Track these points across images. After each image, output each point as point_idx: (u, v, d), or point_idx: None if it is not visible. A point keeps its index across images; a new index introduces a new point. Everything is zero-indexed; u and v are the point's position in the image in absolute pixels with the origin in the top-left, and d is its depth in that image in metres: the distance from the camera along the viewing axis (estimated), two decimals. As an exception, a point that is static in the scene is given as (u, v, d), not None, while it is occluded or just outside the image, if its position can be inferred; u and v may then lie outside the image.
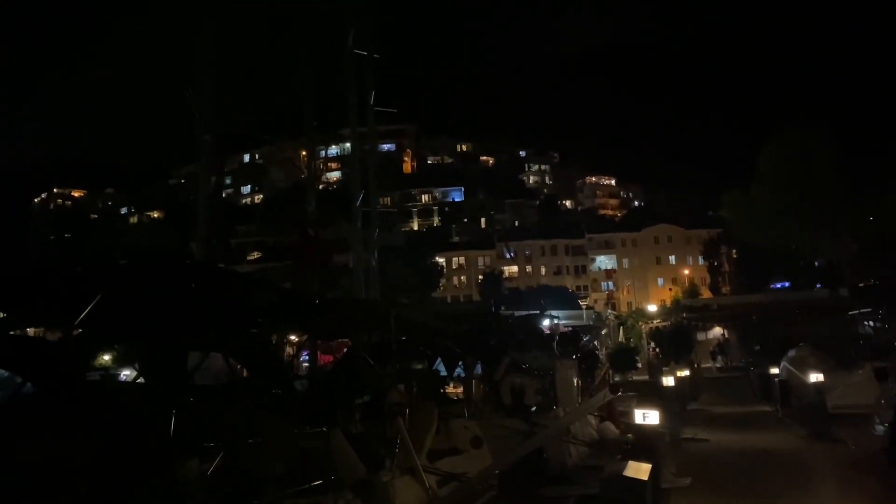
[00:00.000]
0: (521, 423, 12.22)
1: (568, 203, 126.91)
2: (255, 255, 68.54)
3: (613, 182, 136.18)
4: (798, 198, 48.45)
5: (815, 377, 16.99)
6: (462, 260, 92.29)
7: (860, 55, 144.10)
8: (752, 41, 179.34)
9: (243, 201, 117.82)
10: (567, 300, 64.50)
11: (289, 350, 11.97)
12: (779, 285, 56.71)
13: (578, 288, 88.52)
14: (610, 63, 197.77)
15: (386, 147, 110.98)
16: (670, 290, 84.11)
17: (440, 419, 9.27)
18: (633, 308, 75.94)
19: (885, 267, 39.80)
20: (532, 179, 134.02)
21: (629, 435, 13.57)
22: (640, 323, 57.58)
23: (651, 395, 18.29)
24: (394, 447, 7.69)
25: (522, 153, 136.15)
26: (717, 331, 49.83)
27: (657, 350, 43.99)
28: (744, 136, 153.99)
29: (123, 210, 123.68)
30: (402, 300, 38.22)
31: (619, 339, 45.45)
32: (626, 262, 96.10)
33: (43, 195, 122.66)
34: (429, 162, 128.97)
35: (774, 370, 22.69)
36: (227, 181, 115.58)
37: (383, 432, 8.19)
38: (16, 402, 5.50)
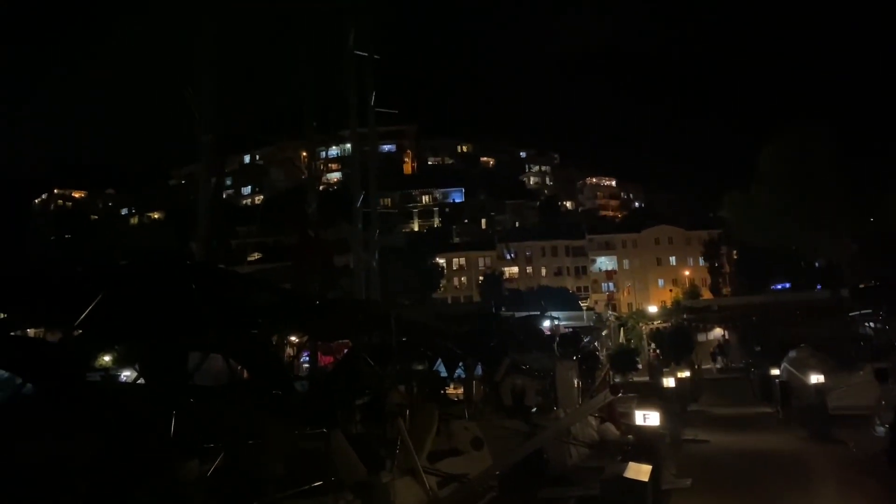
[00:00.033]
0: (522, 424, 12.22)
1: (568, 204, 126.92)
2: (256, 255, 68.58)
3: (614, 183, 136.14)
4: (798, 198, 48.43)
5: (816, 378, 16.98)
6: (462, 261, 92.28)
7: (860, 55, 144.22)
8: (752, 41, 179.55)
9: (244, 202, 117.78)
10: (567, 301, 64.56)
11: (289, 351, 11.98)
12: (779, 286, 56.72)
13: (579, 289, 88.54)
14: (610, 63, 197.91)
15: (386, 148, 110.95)
16: (671, 291, 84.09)
17: (440, 420, 9.27)
18: (634, 309, 75.88)
19: (886, 267, 39.78)
20: (532, 180, 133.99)
21: (629, 436, 13.57)
22: (641, 324, 57.55)
23: (651, 396, 18.27)
24: (394, 448, 7.68)
25: (523, 154, 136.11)
26: (718, 332, 49.86)
27: (658, 351, 43.96)
28: (744, 137, 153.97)
29: (124, 211, 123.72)
30: (402, 301, 38.29)
31: (620, 341, 45.37)
32: (626, 263, 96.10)
33: (43, 196, 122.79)
34: (429, 163, 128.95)
35: (775, 371, 22.68)
36: (228, 182, 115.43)
37: (384, 433, 8.18)
38: (16, 403, 5.50)
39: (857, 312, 25.04)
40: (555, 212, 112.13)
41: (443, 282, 77.02)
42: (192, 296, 5.77)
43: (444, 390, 14.59)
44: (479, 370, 14.42)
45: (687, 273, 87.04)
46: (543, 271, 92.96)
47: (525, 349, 16.77)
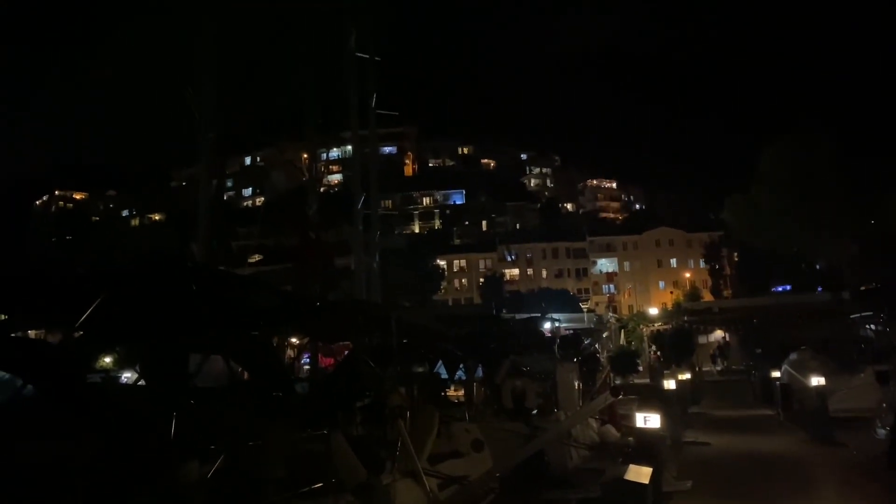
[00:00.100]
0: (523, 426, 12.21)
1: (569, 206, 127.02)
2: (256, 257, 68.47)
3: (614, 185, 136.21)
4: (798, 199, 48.40)
5: (817, 381, 16.96)
6: (463, 263, 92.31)
7: (861, 56, 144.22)
8: (753, 42, 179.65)
9: (244, 204, 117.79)
10: (568, 303, 64.52)
11: (290, 352, 11.98)
12: (780, 288, 56.71)
13: (579, 291, 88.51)
14: (610, 65, 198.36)
15: (387, 150, 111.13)
16: (671, 293, 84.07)
17: (441, 422, 9.25)
18: (635, 311, 75.84)
19: (886, 268, 39.75)
20: (533, 182, 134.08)
21: (630, 438, 13.55)
22: (642, 326, 57.52)
23: (652, 398, 18.21)
24: (395, 450, 7.67)
25: (524, 156, 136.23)
26: (719, 334, 49.88)
27: (658, 353, 43.97)
28: (744, 138, 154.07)
29: (124, 212, 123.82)
30: (403, 303, 38.31)
31: (621, 342, 45.44)
32: (627, 265, 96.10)
33: (44, 197, 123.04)
34: (430, 165, 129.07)
35: (776, 373, 22.67)
36: (229, 183, 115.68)
37: (384, 435, 8.17)
38: (16, 404, 5.50)
39: (858, 315, 25.09)
40: (555, 214, 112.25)
41: (443, 284, 77.06)
42: (192, 297, 5.77)
43: (445, 392, 14.59)
44: (479, 372, 14.41)
45: (688, 275, 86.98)
46: (544, 273, 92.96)
47: (526, 351, 16.76)
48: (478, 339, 14.03)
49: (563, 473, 12.24)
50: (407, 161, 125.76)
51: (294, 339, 12.39)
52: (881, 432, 13.19)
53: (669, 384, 19.91)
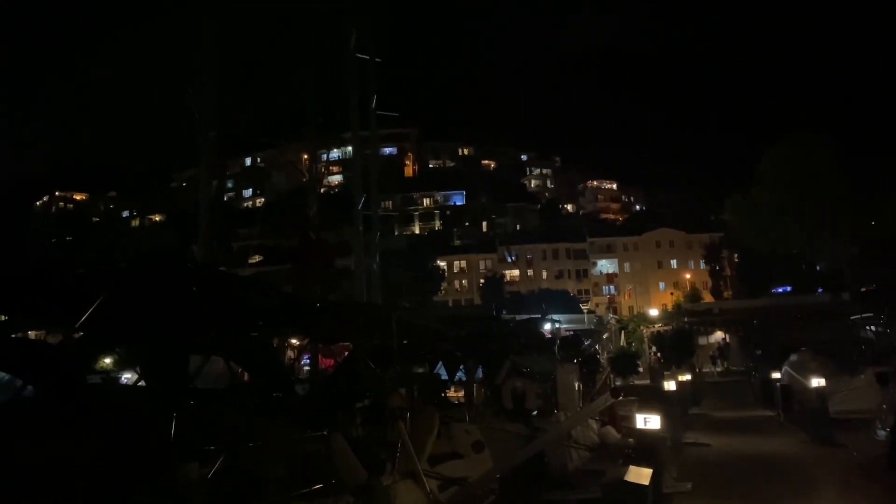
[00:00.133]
0: (523, 427, 12.21)
1: (569, 207, 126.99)
2: (257, 258, 68.53)
3: (615, 186, 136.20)
4: (798, 199, 48.38)
5: (817, 382, 16.95)
6: (463, 264, 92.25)
7: (861, 56, 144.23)
8: (753, 43, 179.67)
9: (245, 204, 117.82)
10: (568, 304, 64.39)
11: (290, 353, 11.98)
12: (780, 289, 56.69)
13: (580, 292, 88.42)
14: (611, 65, 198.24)
15: (387, 151, 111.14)
16: (672, 294, 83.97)
17: (441, 423, 9.25)
18: (635, 312, 75.76)
19: (886, 269, 39.76)
20: (533, 183, 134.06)
21: (630, 439, 13.54)
22: (642, 327, 57.47)
23: (652, 399, 18.20)
24: (395, 451, 7.68)
25: (524, 157, 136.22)
26: (719, 335, 49.82)
27: (658, 354, 43.93)
28: (745, 139, 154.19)
29: (125, 213, 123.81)
30: (403, 304, 38.28)
31: (621, 344, 45.33)
32: (627, 266, 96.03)
33: (44, 198, 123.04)
34: (430, 166, 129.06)
35: (776, 375, 22.65)
36: (229, 184, 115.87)
37: (384, 436, 8.18)
38: (17, 405, 5.50)
39: (859, 316, 25.08)
40: (556, 215, 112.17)
41: (443, 284, 77.06)
42: (192, 298, 5.77)
43: (445, 393, 14.60)
44: (479, 373, 14.41)
45: (688, 276, 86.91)
46: (544, 274, 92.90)
47: (526, 352, 16.76)
48: (478, 340, 14.03)
49: (564, 474, 12.23)
50: (407, 162, 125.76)
51: (294, 340, 12.39)
52: (881, 433, 13.18)
53: (670, 385, 19.88)
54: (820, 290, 48.80)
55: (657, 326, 54.68)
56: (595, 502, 8.82)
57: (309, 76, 19.86)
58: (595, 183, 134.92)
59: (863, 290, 32.85)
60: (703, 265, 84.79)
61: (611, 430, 16.00)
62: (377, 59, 21.18)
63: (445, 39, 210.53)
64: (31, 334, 8.77)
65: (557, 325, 32.77)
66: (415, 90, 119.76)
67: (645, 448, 9.79)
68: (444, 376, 14.37)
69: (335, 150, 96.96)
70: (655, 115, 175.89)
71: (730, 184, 78.11)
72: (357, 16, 20.53)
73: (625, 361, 32.57)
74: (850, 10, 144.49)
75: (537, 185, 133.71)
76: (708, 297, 75.39)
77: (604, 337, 41.08)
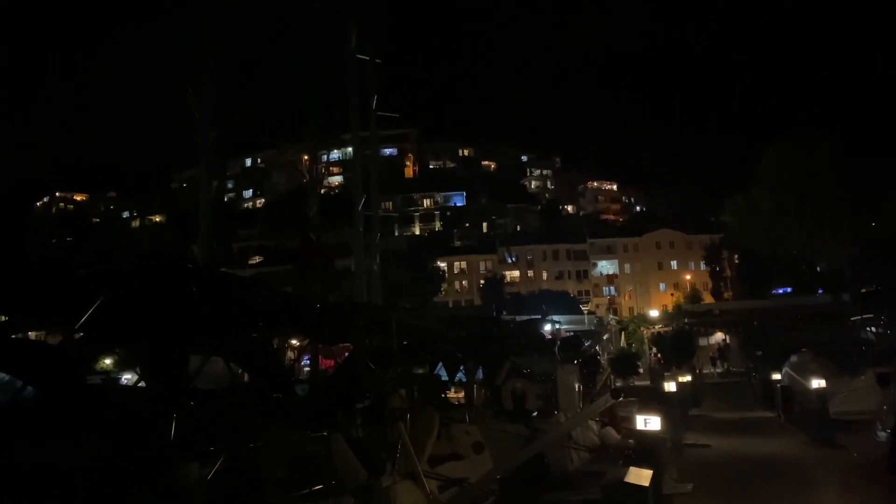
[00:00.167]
0: (523, 428, 12.20)
1: (570, 208, 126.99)
2: (257, 258, 68.57)
3: (615, 187, 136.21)
4: (798, 200, 48.35)
5: (818, 383, 16.95)
6: (463, 264, 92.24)
7: (861, 56, 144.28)
8: (753, 43, 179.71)
9: (245, 205, 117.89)
10: (569, 305, 64.35)
11: (290, 354, 11.97)
12: (781, 290, 56.63)
13: (580, 293, 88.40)
14: (611, 66, 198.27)
15: (388, 151, 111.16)
16: (672, 295, 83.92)
17: (441, 424, 9.24)
18: (635, 313, 75.72)
19: (887, 269, 39.72)
20: (534, 184, 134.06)
21: (630, 440, 13.52)
22: (642, 328, 57.40)
23: (652, 400, 18.21)
24: (395, 452, 7.67)
25: (524, 158, 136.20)
26: (719, 336, 49.74)
27: (659, 355, 43.86)
28: (745, 140, 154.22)
29: (125, 214, 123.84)
30: (403, 305, 38.29)
31: (621, 344, 45.26)
32: (627, 266, 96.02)
33: (45, 199, 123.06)
34: (430, 166, 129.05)
35: (776, 376, 22.65)
36: (230, 185, 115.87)
37: (384, 437, 8.17)
38: (17, 405, 5.50)
39: (859, 317, 25.05)
40: (556, 215, 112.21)
41: (444, 285, 77.03)
42: (193, 299, 5.77)
43: (445, 394, 14.59)
44: (479, 374, 14.41)
45: (688, 277, 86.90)
46: (545, 275, 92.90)
47: (526, 353, 16.75)
48: (478, 341, 14.03)
49: (564, 475, 12.23)
50: (407, 163, 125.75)
51: (294, 341, 12.38)
52: (882, 435, 13.17)
53: (670, 386, 19.88)
54: (820, 290, 48.71)
55: (657, 327, 54.61)
56: (595, 503, 8.82)
57: (309, 76, 19.86)
58: (595, 184, 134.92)
59: (863, 290, 32.80)
60: (703, 266, 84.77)
61: (611, 431, 15.98)
62: (377, 60, 21.20)
63: (445, 39, 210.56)
64: (32, 335, 8.77)
65: (558, 326, 32.77)
66: (415, 90, 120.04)
67: (645, 449, 9.78)
68: (445, 377, 14.37)
69: (335, 150, 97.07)
70: (655, 115, 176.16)
71: (730, 184, 78.29)
72: (357, 16, 20.54)
73: (625, 362, 32.53)
74: (850, 10, 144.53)
75: (537, 186, 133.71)
76: (708, 298, 75.32)
77: (604, 338, 41.03)
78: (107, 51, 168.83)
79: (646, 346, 49.95)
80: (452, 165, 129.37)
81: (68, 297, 5.38)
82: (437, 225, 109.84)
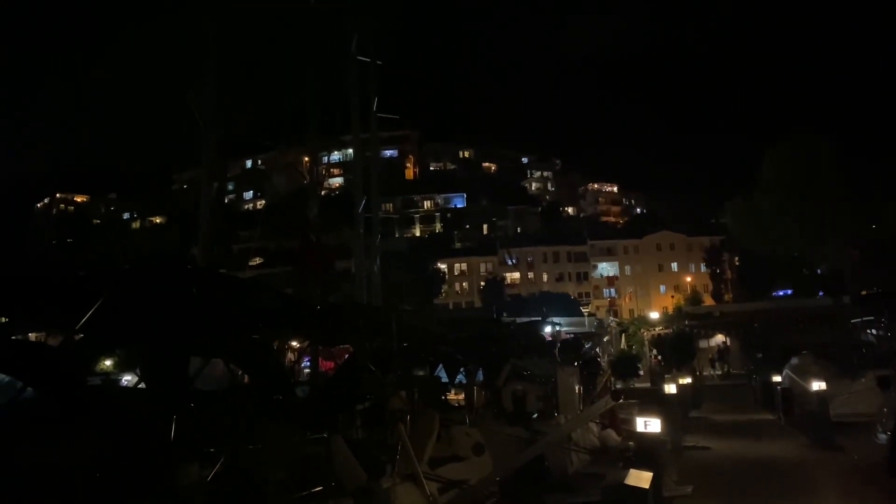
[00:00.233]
0: (523, 430, 12.19)
1: (570, 210, 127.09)
2: (257, 260, 68.53)
3: (615, 189, 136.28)
4: (799, 202, 48.32)
5: (818, 385, 16.93)
6: (464, 266, 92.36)
7: (861, 57, 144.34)
8: (754, 44, 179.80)
9: (245, 207, 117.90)
10: (569, 307, 64.38)
11: (290, 356, 11.96)
12: (781, 293, 56.65)
13: (580, 295, 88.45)
14: (611, 67, 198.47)
15: (388, 153, 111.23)
16: (672, 297, 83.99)
17: (441, 426, 9.24)
18: (635, 315, 75.79)
19: (887, 272, 39.70)
20: (534, 186, 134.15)
21: (631, 443, 13.51)
22: (642, 330, 57.40)
23: (653, 402, 18.23)
24: (395, 454, 7.66)
25: (525, 159, 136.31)
26: (719, 338, 49.71)
27: (659, 357, 43.87)
28: (745, 142, 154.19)
29: (126, 215, 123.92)
30: (403, 306, 38.30)
31: (621, 346, 45.28)
32: (628, 269, 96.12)
33: (45, 200, 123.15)
34: (431, 168, 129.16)
35: (776, 378, 22.61)
36: (230, 187, 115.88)
37: (384, 439, 8.17)
38: (17, 407, 5.50)
39: (860, 319, 25.00)
40: (556, 217, 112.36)
41: (444, 287, 77.14)
42: (193, 300, 5.77)
43: (446, 396, 14.58)
44: (480, 376, 14.40)
45: (688, 279, 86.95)
46: (545, 277, 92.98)
47: (526, 355, 16.75)
48: (478, 343, 14.03)
49: (564, 478, 12.22)
50: (408, 164, 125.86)
51: (294, 343, 12.37)
52: (882, 437, 13.15)
53: (670, 388, 19.87)
54: (821, 293, 48.68)
55: (657, 329, 54.62)
56: (595, 505, 8.82)
57: (310, 78, 19.86)
58: (596, 186, 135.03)
59: (864, 293, 32.80)
60: (703, 268, 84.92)
61: (611, 434, 15.97)
62: (378, 62, 21.21)
63: (445, 40, 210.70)
64: (32, 336, 8.77)
65: (558, 328, 32.73)
66: (415, 91, 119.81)
67: (645, 451, 9.77)
68: (445, 379, 14.37)
69: (336, 152, 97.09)
70: (656, 117, 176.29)
71: (730, 186, 78.31)
72: (358, 17, 20.54)
73: (625, 364, 32.58)
74: (850, 10, 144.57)
75: (538, 188, 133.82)
76: (708, 300, 75.43)
77: (604, 340, 41.04)
78: (107, 51, 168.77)
79: (646, 348, 49.94)
80: (453, 167, 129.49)
81: (68, 298, 5.38)
82: (438, 226, 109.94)
